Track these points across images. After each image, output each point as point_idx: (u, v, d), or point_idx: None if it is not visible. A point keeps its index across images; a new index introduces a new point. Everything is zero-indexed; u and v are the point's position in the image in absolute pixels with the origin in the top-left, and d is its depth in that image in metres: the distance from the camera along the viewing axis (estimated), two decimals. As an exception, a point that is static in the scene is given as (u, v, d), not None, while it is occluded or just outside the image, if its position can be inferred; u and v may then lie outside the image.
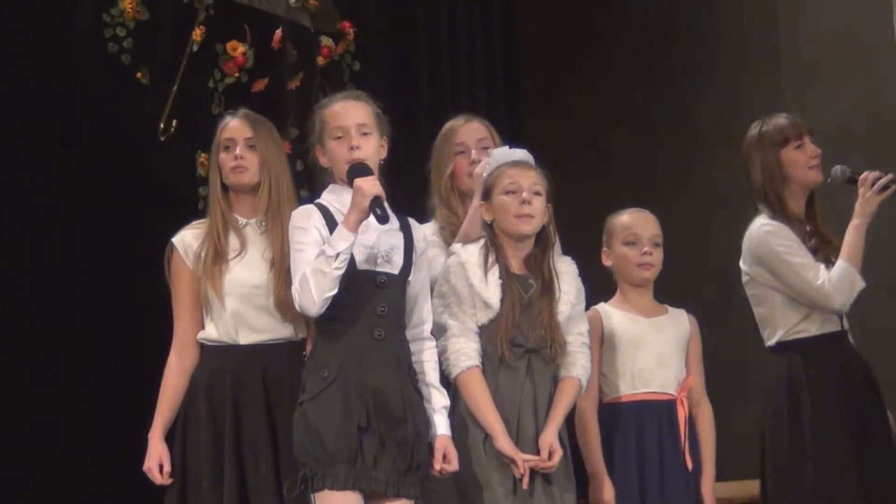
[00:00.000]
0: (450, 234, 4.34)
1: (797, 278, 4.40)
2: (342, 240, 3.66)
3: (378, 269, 3.80)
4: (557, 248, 4.18)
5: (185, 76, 5.78)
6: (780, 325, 4.48)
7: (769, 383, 4.49)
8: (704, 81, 6.28)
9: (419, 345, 3.88)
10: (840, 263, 4.37)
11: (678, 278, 4.53)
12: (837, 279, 4.35)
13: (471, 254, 4.04)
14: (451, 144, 4.45)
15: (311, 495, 3.68)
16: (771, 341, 4.51)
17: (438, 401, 3.86)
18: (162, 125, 5.72)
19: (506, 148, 4.22)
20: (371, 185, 3.69)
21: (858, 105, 5.48)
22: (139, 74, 5.68)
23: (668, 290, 4.49)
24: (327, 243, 3.68)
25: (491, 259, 4.03)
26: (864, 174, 4.42)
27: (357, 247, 3.73)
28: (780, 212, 4.48)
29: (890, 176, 4.40)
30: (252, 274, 4.12)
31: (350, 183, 3.76)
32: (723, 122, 5.85)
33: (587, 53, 6.92)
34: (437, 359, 3.92)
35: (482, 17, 7.16)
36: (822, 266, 4.39)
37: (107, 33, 5.65)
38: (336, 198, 3.86)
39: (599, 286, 4.44)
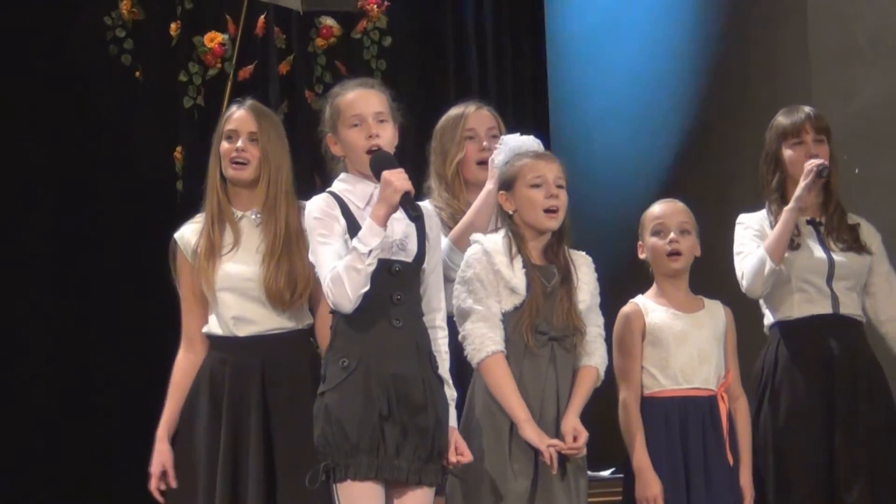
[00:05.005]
0: (447, 218, 4.33)
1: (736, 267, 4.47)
2: (373, 235, 3.65)
3: (393, 257, 3.79)
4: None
5: (165, 71, 5.88)
6: (767, 311, 4.53)
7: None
8: (734, 67, 6.26)
9: (432, 333, 3.87)
10: (757, 250, 4.40)
11: (712, 270, 4.54)
12: (748, 265, 4.40)
13: (494, 242, 4.05)
14: (462, 130, 4.42)
15: (334, 486, 3.69)
16: (764, 329, 4.56)
17: (447, 393, 3.85)
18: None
19: (517, 135, 4.20)
20: (401, 180, 3.68)
21: (886, 93, 5.45)
22: (137, 73, 5.78)
23: (702, 283, 4.50)
24: (357, 238, 3.66)
25: (514, 249, 4.04)
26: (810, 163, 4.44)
27: None
28: (768, 198, 4.53)
29: (823, 162, 4.41)
30: (244, 268, 4.10)
31: (375, 173, 3.75)
32: (752, 108, 5.84)
33: (612, 32, 6.91)
34: (447, 349, 3.91)
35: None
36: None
37: (107, 35, 5.77)
38: (349, 188, 3.86)
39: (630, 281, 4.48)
